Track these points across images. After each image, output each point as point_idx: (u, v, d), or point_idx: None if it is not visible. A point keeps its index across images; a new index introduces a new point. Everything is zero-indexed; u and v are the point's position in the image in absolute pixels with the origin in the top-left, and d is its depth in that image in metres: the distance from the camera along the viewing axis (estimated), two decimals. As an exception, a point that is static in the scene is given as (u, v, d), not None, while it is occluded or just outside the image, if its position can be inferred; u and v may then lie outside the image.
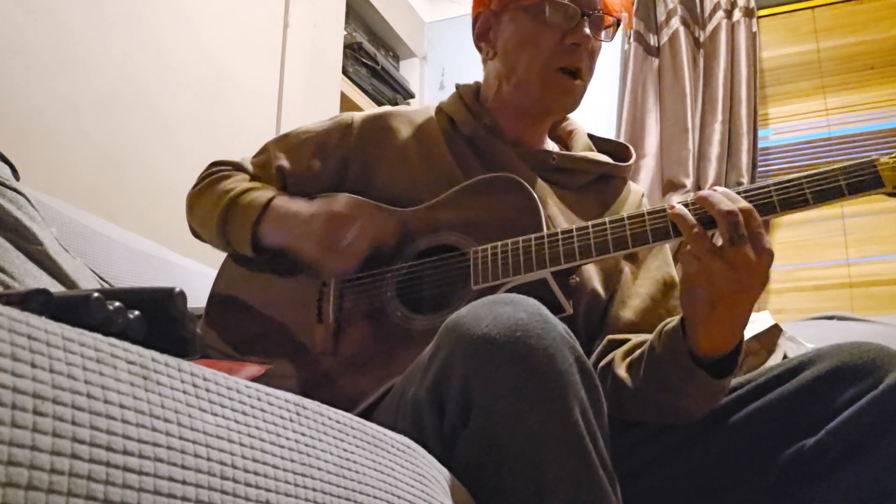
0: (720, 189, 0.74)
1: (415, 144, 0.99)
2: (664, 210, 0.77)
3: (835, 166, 0.73)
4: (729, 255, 0.69)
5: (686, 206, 0.75)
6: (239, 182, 0.99)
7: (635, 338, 0.86)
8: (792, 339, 1.61)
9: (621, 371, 0.82)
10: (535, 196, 0.85)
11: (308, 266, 0.93)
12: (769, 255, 0.70)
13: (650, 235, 0.77)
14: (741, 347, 0.76)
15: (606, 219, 0.80)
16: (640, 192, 1.04)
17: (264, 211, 0.92)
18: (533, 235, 0.81)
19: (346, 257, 0.88)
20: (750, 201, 0.73)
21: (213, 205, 0.97)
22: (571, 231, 0.80)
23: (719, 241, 0.71)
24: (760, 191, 0.74)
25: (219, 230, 0.96)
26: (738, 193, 0.74)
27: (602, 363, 0.86)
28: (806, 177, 0.74)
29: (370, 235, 0.89)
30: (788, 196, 0.73)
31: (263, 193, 0.95)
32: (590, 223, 0.80)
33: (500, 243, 0.82)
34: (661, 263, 0.97)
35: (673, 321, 0.78)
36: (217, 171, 1.03)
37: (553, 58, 0.93)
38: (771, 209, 0.73)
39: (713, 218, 0.72)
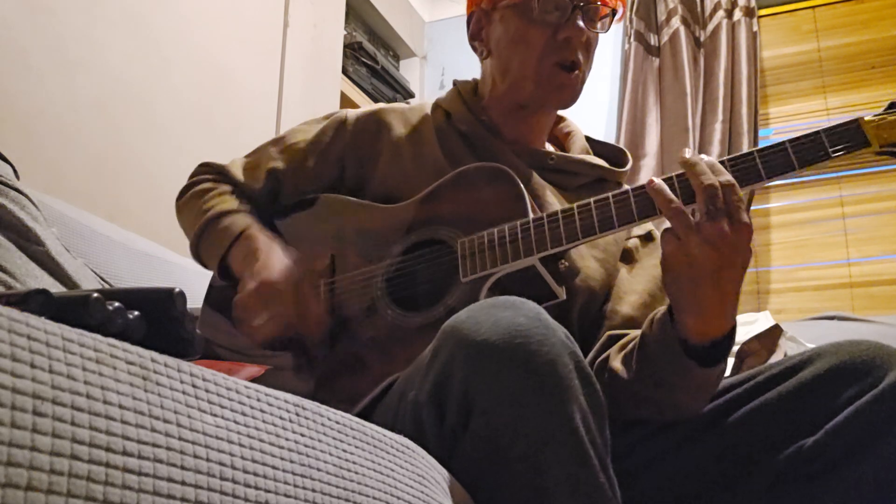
0: (705, 158, 0.72)
1: (407, 140, 0.99)
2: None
3: (819, 128, 0.72)
4: (706, 230, 0.68)
5: (670, 179, 0.74)
6: (219, 200, 0.99)
7: (633, 333, 0.86)
8: (792, 339, 1.61)
9: (616, 364, 0.81)
10: (520, 183, 0.84)
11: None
12: (747, 230, 0.68)
13: (636, 213, 0.75)
14: (733, 334, 0.74)
15: (591, 200, 0.78)
16: None
17: (236, 240, 0.93)
18: (518, 222, 0.80)
19: (252, 333, 0.87)
20: (734, 169, 0.72)
21: (193, 222, 0.98)
22: (556, 214, 0.79)
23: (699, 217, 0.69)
24: (744, 159, 0.73)
25: (194, 248, 0.98)
26: (722, 162, 0.73)
27: (600, 359, 0.85)
28: (790, 141, 0.72)
29: (280, 325, 0.85)
30: (773, 161, 0.72)
31: (240, 221, 0.95)
32: (574, 205, 0.79)
33: (485, 233, 0.82)
34: (656, 261, 0.97)
35: (662, 309, 0.77)
36: (201, 181, 1.03)
37: (545, 55, 0.91)
38: (757, 177, 0.72)
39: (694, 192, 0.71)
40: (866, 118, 0.72)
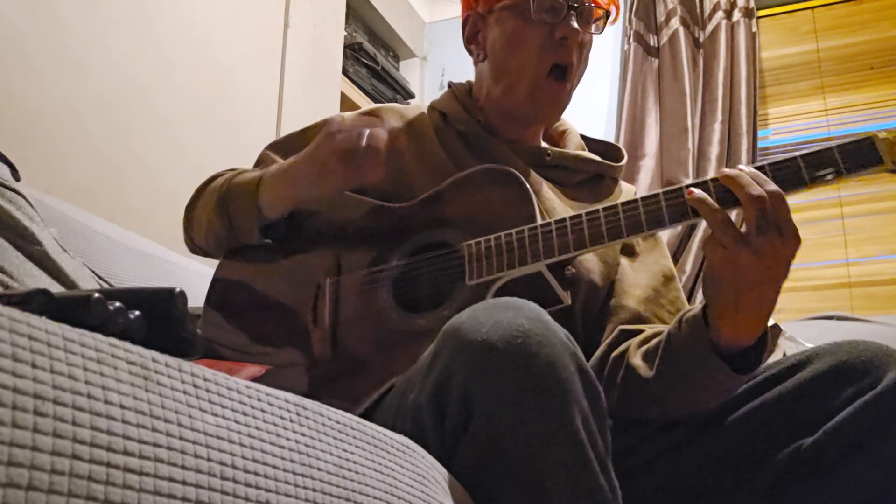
0: (746, 169, 0.71)
1: (406, 139, 0.99)
2: (657, 196, 0.76)
3: (831, 144, 0.72)
4: (756, 243, 0.67)
5: (706, 184, 0.72)
6: (228, 175, 0.98)
7: (650, 328, 0.85)
8: (791, 338, 1.61)
9: (636, 360, 0.80)
10: (528, 186, 0.84)
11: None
12: (797, 242, 0.68)
13: (644, 223, 0.75)
14: (766, 341, 0.74)
15: (600, 207, 0.78)
16: (632, 191, 1.04)
17: (259, 183, 0.90)
18: (526, 227, 0.80)
19: (373, 161, 0.84)
20: None
21: (209, 201, 0.96)
22: (565, 221, 0.79)
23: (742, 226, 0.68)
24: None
25: (220, 220, 0.93)
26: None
27: (615, 353, 0.84)
28: (802, 157, 0.72)
29: (381, 135, 0.84)
30: (785, 176, 0.71)
31: (253, 173, 0.94)
32: (583, 212, 0.79)
33: (493, 237, 0.82)
34: (658, 257, 0.97)
35: (693, 310, 0.76)
36: (209, 180, 1.03)
37: (542, 55, 0.92)
38: None
39: (735, 198, 0.70)
40: (880, 135, 0.71)
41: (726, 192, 0.71)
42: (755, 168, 0.73)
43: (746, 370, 0.73)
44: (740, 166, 0.72)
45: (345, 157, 0.84)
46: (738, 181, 0.70)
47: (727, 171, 0.71)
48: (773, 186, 0.69)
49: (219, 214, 0.93)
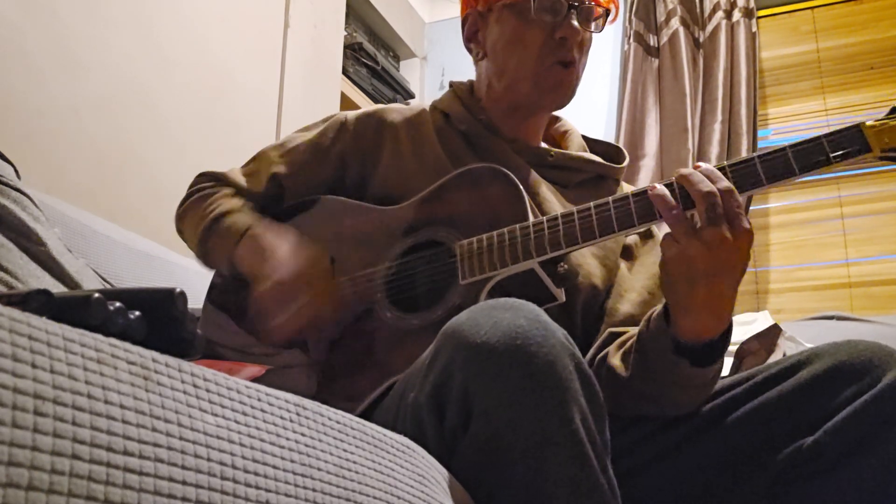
0: (703, 166, 0.73)
1: (408, 140, 1.00)
2: (646, 191, 0.76)
3: (819, 134, 0.73)
4: (706, 235, 0.69)
5: (671, 185, 0.74)
6: (220, 202, 0.99)
7: (632, 330, 0.86)
8: (791, 338, 1.61)
9: (615, 361, 0.82)
10: (520, 185, 0.84)
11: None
12: (747, 235, 0.69)
13: (635, 217, 0.76)
14: (728, 336, 0.75)
15: (591, 204, 0.79)
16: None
17: (241, 238, 0.92)
18: (518, 225, 0.81)
19: (272, 333, 0.86)
20: (734, 175, 0.73)
21: (195, 226, 0.98)
22: (556, 218, 0.80)
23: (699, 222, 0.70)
24: (744, 164, 0.73)
25: (200, 251, 0.98)
26: (723, 167, 0.73)
27: (600, 355, 0.86)
28: (791, 146, 0.73)
29: (304, 320, 0.85)
30: (773, 166, 0.72)
31: (243, 219, 0.95)
32: (575, 209, 0.79)
33: (485, 236, 0.82)
34: (656, 259, 0.97)
35: (658, 308, 0.77)
36: (200, 189, 1.03)
37: (543, 54, 0.92)
38: (757, 182, 0.72)
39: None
40: (867, 123, 0.72)
41: (687, 193, 0.73)
42: (745, 161, 0.73)
43: (708, 364, 0.74)
44: (699, 163, 0.74)
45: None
46: (689, 179, 0.72)
47: (682, 170, 0.73)
48: (725, 183, 0.71)
49: (199, 245, 0.98)
